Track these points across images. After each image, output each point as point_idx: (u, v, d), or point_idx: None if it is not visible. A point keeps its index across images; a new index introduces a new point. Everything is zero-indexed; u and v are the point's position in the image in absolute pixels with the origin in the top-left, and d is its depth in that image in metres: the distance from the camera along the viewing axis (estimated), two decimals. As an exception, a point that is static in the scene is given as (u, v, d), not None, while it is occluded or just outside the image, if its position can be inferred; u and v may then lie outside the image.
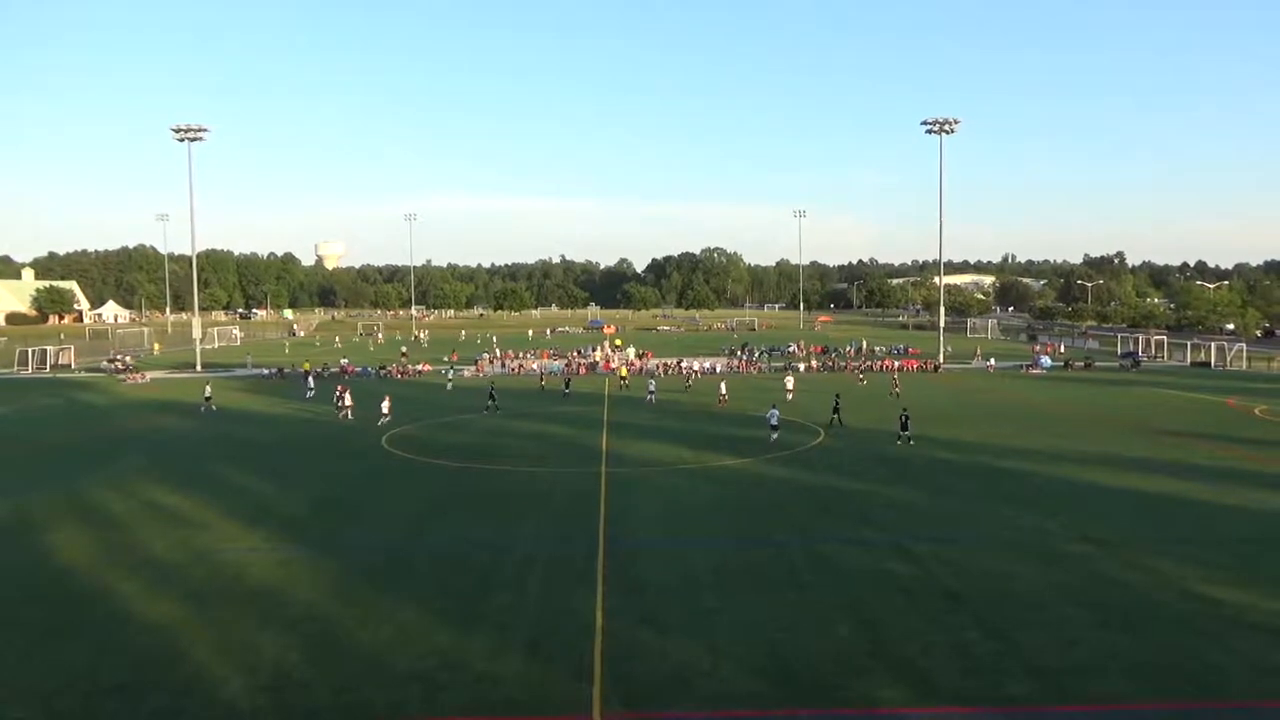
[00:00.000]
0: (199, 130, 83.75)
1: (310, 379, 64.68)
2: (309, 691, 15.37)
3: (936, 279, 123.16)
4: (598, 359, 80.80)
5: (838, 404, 45.23)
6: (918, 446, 38.33)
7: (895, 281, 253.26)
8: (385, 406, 47.06)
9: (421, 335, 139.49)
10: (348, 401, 49.34)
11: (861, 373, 69.66)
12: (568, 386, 61.29)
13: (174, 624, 18.50)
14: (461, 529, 26.23)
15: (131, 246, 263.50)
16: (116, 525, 26.73)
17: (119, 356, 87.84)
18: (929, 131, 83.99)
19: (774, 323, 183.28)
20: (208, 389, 56.40)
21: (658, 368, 75.50)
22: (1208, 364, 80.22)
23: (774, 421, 39.92)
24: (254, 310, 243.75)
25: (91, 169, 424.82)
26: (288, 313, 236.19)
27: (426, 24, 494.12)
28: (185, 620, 18.72)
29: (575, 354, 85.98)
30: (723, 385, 55.73)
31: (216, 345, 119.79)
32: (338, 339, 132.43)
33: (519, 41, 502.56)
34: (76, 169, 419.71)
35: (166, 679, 15.89)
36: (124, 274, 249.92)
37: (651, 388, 56.81)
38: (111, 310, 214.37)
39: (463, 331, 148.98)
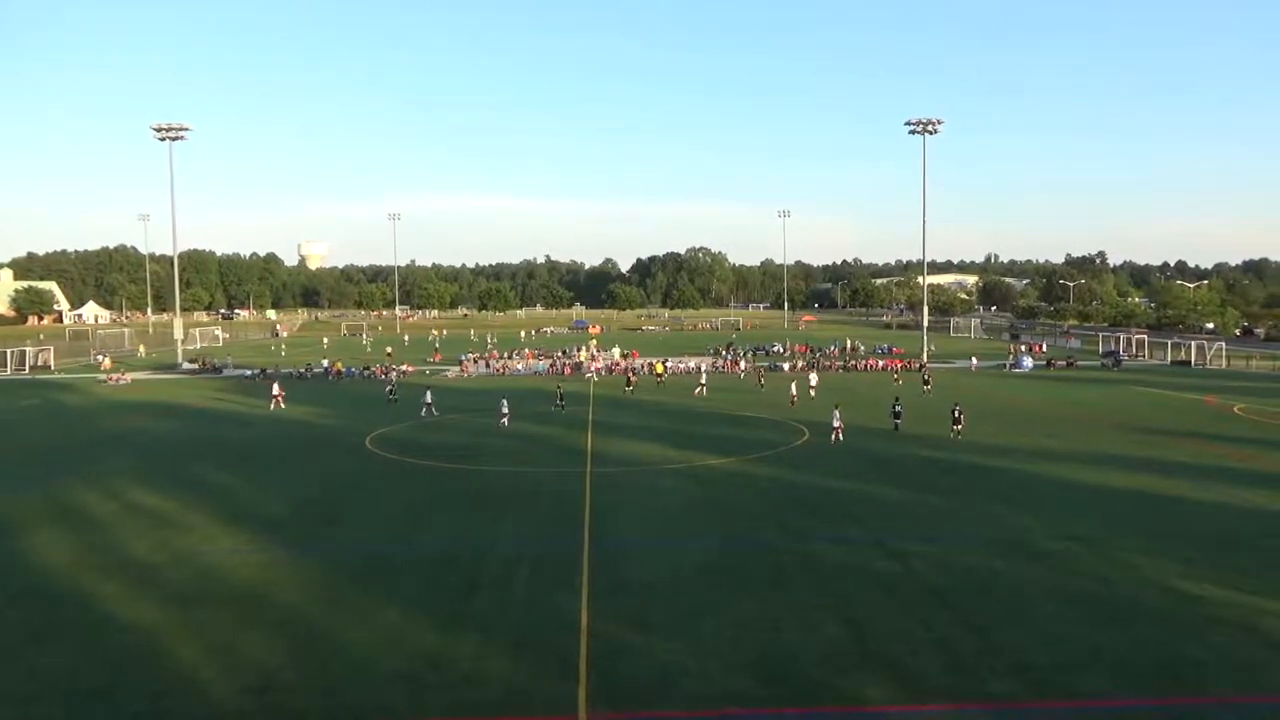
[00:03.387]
0: (180, 129, 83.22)
1: (392, 375, 66.36)
2: (293, 693, 15.29)
3: (920, 279, 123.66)
4: (582, 359, 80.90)
5: (898, 408, 43.76)
6: (901, 446, 38.53)
7: (879, 281, 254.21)
8: (505, 407, 46.21)
9: (439, 334, 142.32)
10: (428, 399, 50.73)
11: (897, 374, 69.53)
12: (629, 385, 62.27)
13: (156, 626, 18.35)
14: (446, 529, 26.15)
15: (112, 247, 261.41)
16: (97, 527, 26.50)
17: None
18: (912, 132, 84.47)
19: (759, 322, 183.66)
20: (276, 386, 56.22)
21: (709, 364, 77.47)
22: (1188, 362, 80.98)
23: (835, 423, 39.89)
24: (236, 311, 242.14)
25: (71, 168, 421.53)
26: (271, 313, 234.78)
27: (409, 22, 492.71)
28: (167, 622, 18.57)
29: (560, 354, 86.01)
30: (794, 386, 55.31)
31: (199, 346, 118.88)
32: (325, 340, 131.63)
33: (502, 39, 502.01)
34: (56, 168, 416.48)
35: (148, 682, 15.77)
36: (104, 274, 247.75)
37: (703, 379, 61.65)
38: (92, 311, 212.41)
39: (472, 331, 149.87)
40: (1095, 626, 17.84)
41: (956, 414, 41.39)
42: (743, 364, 77.63)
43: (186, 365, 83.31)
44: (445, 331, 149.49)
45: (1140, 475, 32.22)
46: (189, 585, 21.03)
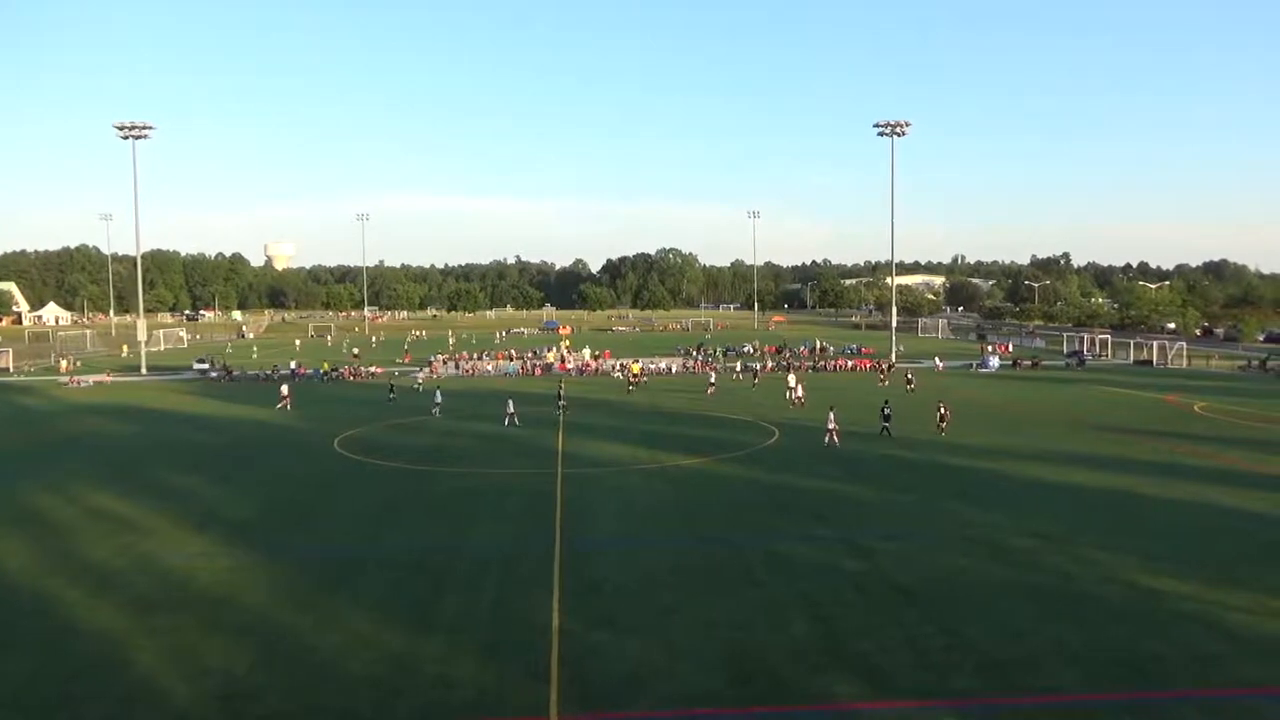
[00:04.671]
0: (143, 128, 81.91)
1: (419, 375, 68.02)
2: (259, 699, 15.10)
3: (889, 279, 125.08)
4: (552, 360, 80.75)
5: (887, 412, 42.27)
6: (871, 445, 38.77)
7: (848, 282, 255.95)
8: (512, 406, 46.73)
9: (420, 334, 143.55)
10: (438, 399, 51.12)
11: (883, 374, 69.65)
12: (632, 385, 62.68)
13: (118, 632, 18.06)
14: (415, 532, 25.97)
15: (73, 247, 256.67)
16: (57, 531, 26.02)
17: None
18: (881, 134, 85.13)
19: (729, 323, 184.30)
20: (285, 388, 56.42)
21: (720, 365, 77.90)
22: (1149, 362, 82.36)
23: (830, 424, 39.60)
24: (201, 312, 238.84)
25: (31, 167, 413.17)
26: (236, 314, 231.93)
27: (376, 21, 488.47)
28: (130, 628, 18.28)
29: (530, 355, 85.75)
30: (800, 387, 54.86)
31: (163, 348, 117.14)
32: (297, 342, 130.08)
33: (470, 39, 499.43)
34: (14, 167, 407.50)
35: (110, 689, 15.51)
36: (65, 275, 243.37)
37: (713, 379, 63.14)
38: (52, 312, 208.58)
39: (450, 332, 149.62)
40: (1059, 622, 18.09)
41: (942, 411, 42.52)
42: (739, 365, 78.44)
43: (197, 366, 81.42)
44: (424, 332, 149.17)
45: (1103, 473, 32.71)
46: (152, 590, 20.71)
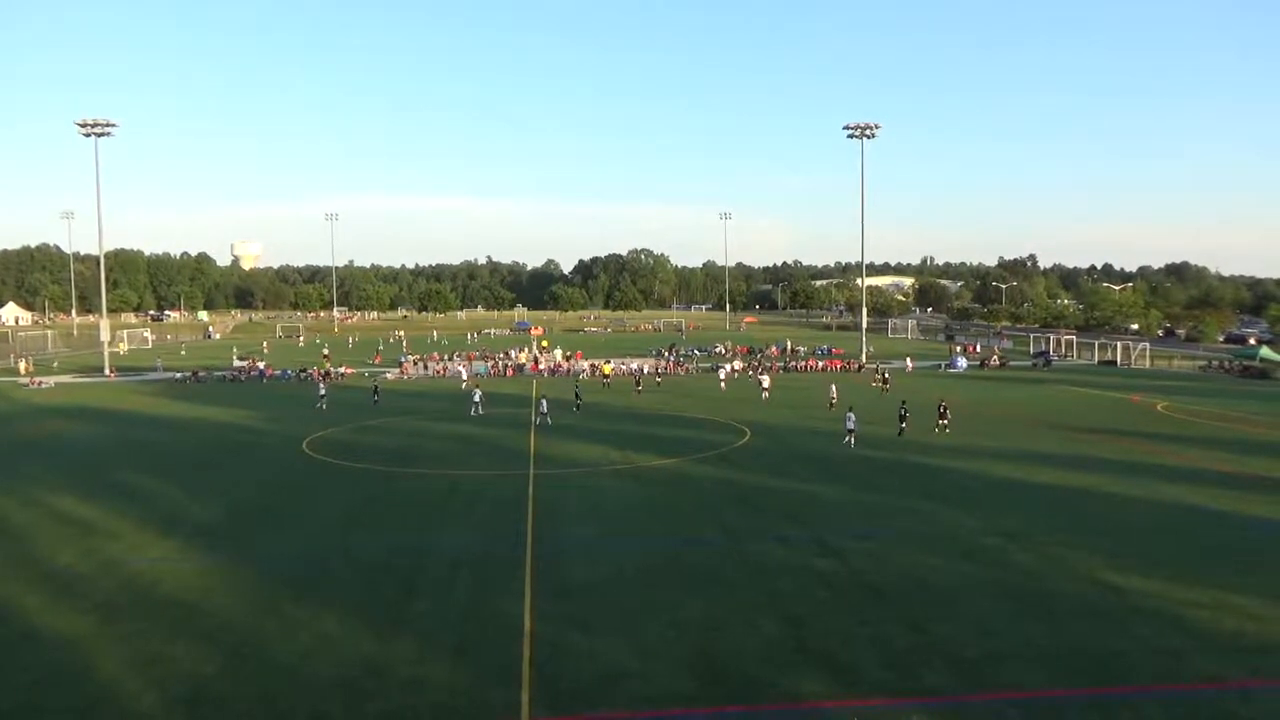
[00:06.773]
0: (106, 125, 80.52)
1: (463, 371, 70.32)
2: (227, 704, 14.92)
3: (859, 280, 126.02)
4: (524, 361, 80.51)
5: (904, 412, 42.40)
6: (843, 445, 38.98)
7: (819, 283, 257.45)
8: (545, 406, 47.18)
9: (400, 334, 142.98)
10: (477, 399, 50.77)
11: (884, 381, 69.13)
12: (639, 385, 62.61)
13: (81, 638, 17.76)
14: (385, 534, 25.76)
15: (34, 245, 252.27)
16: (17, 536, 25.53)
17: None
18: (850, 136, 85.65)
19: (701, 324, 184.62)
20: (322, 387, 57.06)
21: (729, 365, 77.89)
22: (1114, 362, 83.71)
23: (850, 425, 39.42)
24: (166, 312, 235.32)
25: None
26: (203, 314, 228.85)
27: (344, 19, 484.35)
28: (93, 634, 17.98)
29: (502, 355, 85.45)
30: (833, 387, 54.62)
31: (126, 349, 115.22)
32: (265, 344, 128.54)
33: (439, 39, 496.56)
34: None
35: (73, 696, 15.26)
36: (25, 274, 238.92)
37: (723, 377, 64.99)
38: (12, 312, 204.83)
39: (434, 332, 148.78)
40: (1026, 619, 18.33)
41: (942, 409, 43.16)
42: (738, 364, 79.66)
43: (237, 363, 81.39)
44: (404, 333, 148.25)
45: (1069, 472, 33.17)
46: (116, 595, 20.38)
